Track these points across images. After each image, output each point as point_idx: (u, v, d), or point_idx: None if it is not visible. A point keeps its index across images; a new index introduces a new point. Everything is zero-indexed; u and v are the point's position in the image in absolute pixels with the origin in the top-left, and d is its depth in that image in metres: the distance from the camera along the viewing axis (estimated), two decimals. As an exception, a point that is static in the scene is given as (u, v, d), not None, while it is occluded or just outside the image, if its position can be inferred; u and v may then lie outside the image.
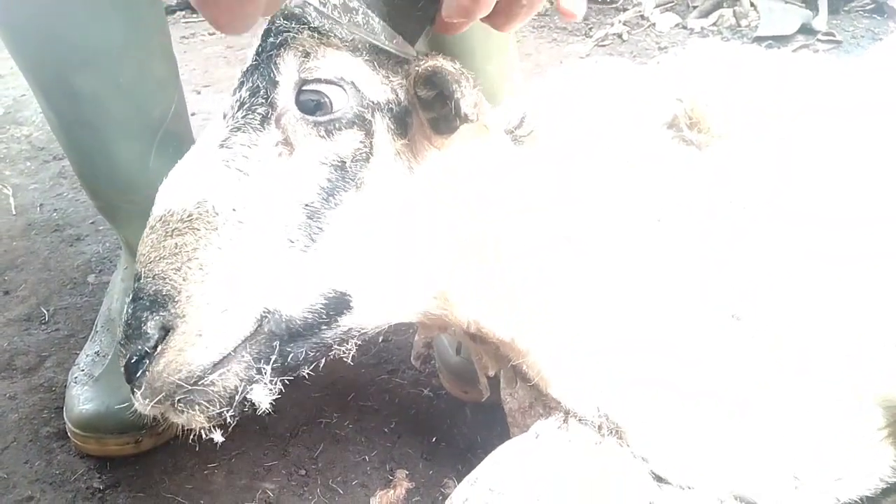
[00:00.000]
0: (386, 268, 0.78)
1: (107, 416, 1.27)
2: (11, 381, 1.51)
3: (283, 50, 0.74)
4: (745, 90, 1.28)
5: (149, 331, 0.68)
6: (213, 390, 0.69)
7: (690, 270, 0.96)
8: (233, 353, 0.69)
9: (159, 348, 0.68)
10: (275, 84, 0.74)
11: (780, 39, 3.01)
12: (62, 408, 1.40)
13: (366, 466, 1.25)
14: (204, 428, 0.71)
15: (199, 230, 0.70)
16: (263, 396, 0.71)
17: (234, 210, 0.71)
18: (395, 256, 0.78)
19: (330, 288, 0.74)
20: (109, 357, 1.34)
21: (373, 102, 0.76)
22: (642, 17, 3.63)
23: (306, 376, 0.76)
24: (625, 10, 3.81)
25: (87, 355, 1.39)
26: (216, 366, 0.69)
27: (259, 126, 0.73)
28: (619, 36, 3.45)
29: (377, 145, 0.76)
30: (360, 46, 0.75)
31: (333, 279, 0.75)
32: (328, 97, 0.74)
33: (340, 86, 0.74)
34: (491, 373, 1.04)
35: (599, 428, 0.96)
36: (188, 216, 0.71)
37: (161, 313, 0.68)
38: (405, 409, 1.35)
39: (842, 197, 0.99)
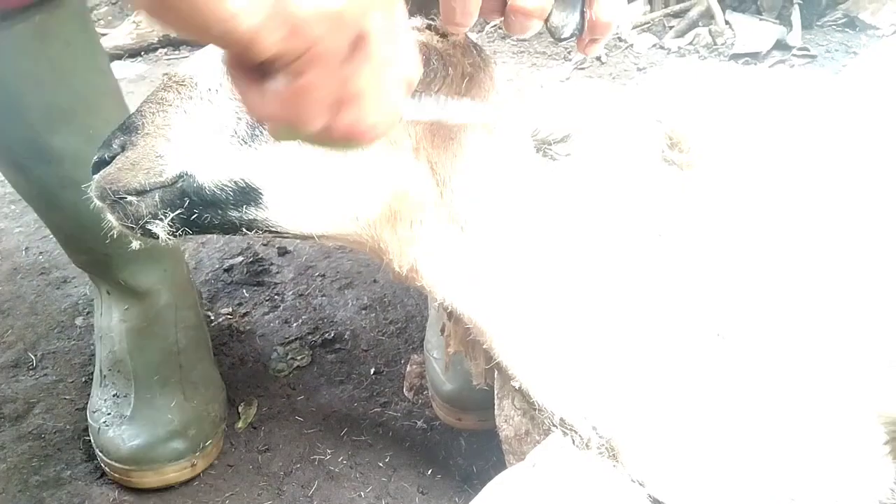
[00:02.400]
0: (307, 189, 0.89)
1: (160, 447, 1.29)
2: (0, 430, 1.49)
3: None
4: (724, 108, 1.30)
5: (113, 144, 0.88)
6: (128, 209, 0.86)
7: (679, 286, 0.96)
8: (149, 191, 0.86)
9: (114, 160, 0.87)
10: None
11: (756, 56, 3.05)
12: (52, 455, 1.39)
13: (361, 502, 1.24)
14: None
15: (179, 93, 0.88)
16: (161, 231, 0.87)
17: (208, 90, 0.88)
18: (321, 184, 0.89)
19: (243, 179, 0.87)
20: (133, 394, 1.34)
21: None
22: (620, 38, 3.67)
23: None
24: (602, 32, 3.86)
25: (103, 400, 1.37)
26: (137, 193, 0.87)
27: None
28: (598, 58, 3.49)
29: None
30: None
31: (251, 175, 0.87)
32: None
33: None
34: (450, 350, 1.07)
35: (589, 442, 0.96)
36: (180, 80, 0.89)
37: (126, 135, 0.88)
38: (399, 442, 1.34)
39: (829, 212, 1.00)
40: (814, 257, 0.95)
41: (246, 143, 0.87)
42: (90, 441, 1.37)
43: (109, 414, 1.34)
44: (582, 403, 0.96)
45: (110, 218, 0.89)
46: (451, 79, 0.87)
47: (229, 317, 1.68)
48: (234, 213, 0.89)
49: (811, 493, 0.91)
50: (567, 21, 0.81)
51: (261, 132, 0.87)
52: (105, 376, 1.40)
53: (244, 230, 0.92)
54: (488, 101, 0.93)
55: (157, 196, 0.87)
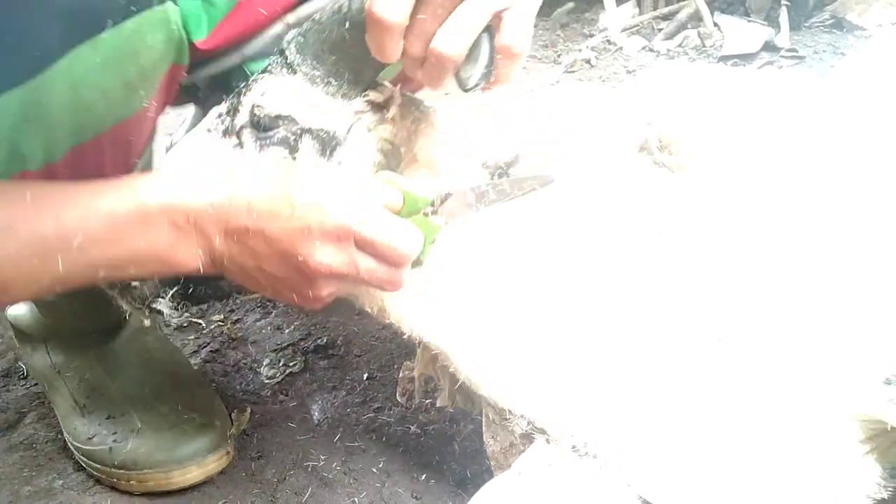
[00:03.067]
0: None
1: (196, 441, 1.29)
2: (-11, 441, 1.48)
3: (248, 86, 0.99)
4: (713, 109, 1.31)
5: None
6: (134, 292, 0.99)
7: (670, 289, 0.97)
8: None
9: None
10: (237, 110, 0.99)
11: (745, 57, 3.07)
12: (43, 465, 1.38)
13: (356, 509, 1.24)
14: None
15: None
16: (165, 308, 0.97)
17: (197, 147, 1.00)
18: None
19: None
20: (132, 409, 1.34)
21: (304, 128, 0.96)
22: (609, 41, 3.68)
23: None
24: (591, 35, 3.87)
25: (97, 425, 1.34)
26: None
27: (223, 135, 0.99)
28: (588, 61, 3.50)
29: (298, 161, 0.96)
30: (318, 80, 0.96)
31: None
32: (269, 122, 0.97)
33: (281, 118, 0.96)
34: (417, 373, 1.21)
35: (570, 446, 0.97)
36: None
37: None
38: (393, 447, 1.34)
39: (816, 214, 1.01)
40: (796, 260, 0.96)
41: None
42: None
43: (115, 433, 1.31)
44: (551, 408, 0.98)
45: (121, 303, 0.98)
46: (399, 126, 1.00)
47: (221, 324, 1.68)
48: (224, 283, 1.00)
49: (795, 492, 0.91)
50: (472, 73, 0.87)
51: None
52: (84, 405, 1.38)
53: (237, 295, 1.01)
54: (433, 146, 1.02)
55: (155, 278, 0.95)
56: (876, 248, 0.95)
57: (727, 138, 1.25)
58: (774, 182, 1.08)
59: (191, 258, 0.85)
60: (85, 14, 0.83)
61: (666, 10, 3.88)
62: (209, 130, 1.00)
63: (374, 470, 1.30)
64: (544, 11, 4.57)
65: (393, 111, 0.99)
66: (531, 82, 3.44)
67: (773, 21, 3.38)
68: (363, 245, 0.83)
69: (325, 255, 0.82)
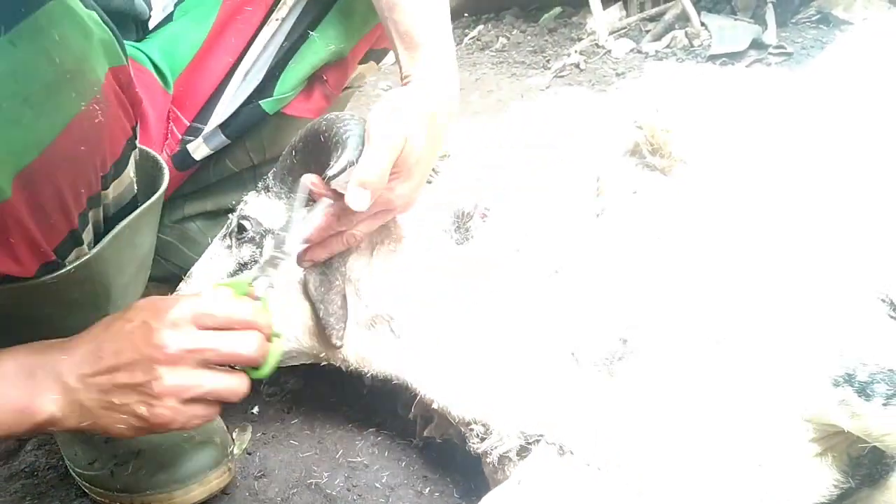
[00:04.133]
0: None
1: (197, 459, 1.28)
2: (-9, 471, 1.47)
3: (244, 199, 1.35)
4: (702, 110, 1.31)
5: None
6: None
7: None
8: None
9: None
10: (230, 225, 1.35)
11: (734, 56, 3.08)
12: (45, 493, 1.37)
13: (360, 524, 1.23)
14: None
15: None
16: None
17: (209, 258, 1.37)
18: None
19: None
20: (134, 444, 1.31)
21: (267, 229, 1.29)
22: (597, 45, 3.70)
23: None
24: (580, 39, 3.89)
25: (97, 451, 1.33)
26: None
27: (222, 239, 1.36)
28: (577, 65, 3.51)
29: (263, 254, 1.28)
30: (282, 195, 1.29)
31: None
32: (244, 226, 1.30)
33: (249, 221, 1.30)
34: None
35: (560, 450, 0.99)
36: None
37: None
38: (395, 461, 1.34)
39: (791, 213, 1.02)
40: (770, 260, 0.97)
41: None
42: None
43: (115, 457, 1.30)
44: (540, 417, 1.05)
45: None
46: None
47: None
48: None
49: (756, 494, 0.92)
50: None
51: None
52: (89, 440, 1.34)
53: None
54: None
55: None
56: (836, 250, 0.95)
57: (718, 138, 1.26)
58: (760, 183, 1.09)
59: (47, 404, 0.96)
60: None
61: (653, 11, 3.90)
62: (220, 237, 1.36)
63: (378, 485, 1.29)
64: (532, 17, 4.58)
65: None
66: (521, 88, 3.45)
67: (759, 19, 3.40)
68: (202, 318, 0.96)
69: (171, 339, 0.95)
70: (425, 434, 1.25)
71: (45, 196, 0.88)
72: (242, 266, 1.30)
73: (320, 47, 1.52)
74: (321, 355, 1.30)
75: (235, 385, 0.99)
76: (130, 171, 1.07)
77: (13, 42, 0.79)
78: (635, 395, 0.98)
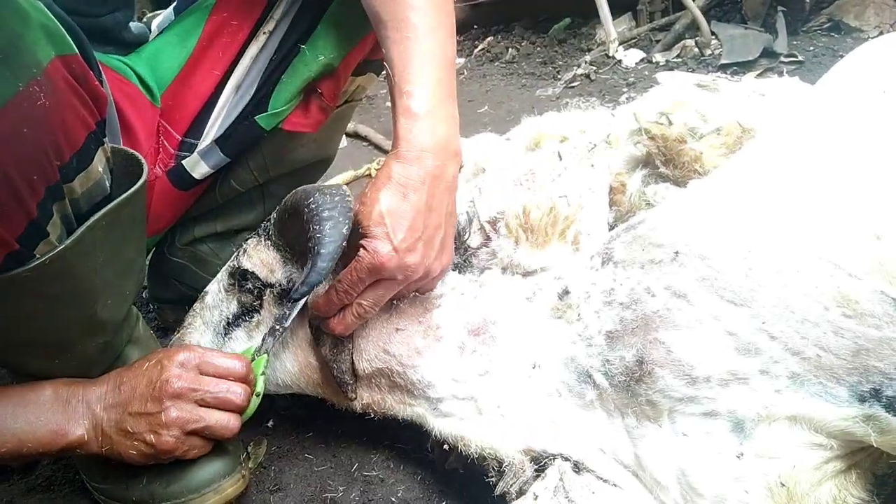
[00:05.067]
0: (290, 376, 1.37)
1: (211, 467, 1.27)
2: (8, 485, 1.48)
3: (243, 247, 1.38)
4: (715, 119, 1.30)
5: None
6: None
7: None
8: None
9: None
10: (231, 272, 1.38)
11: (744, 65, 3.07)
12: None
13: (376, 539, 1.23)
14: None
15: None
16: None
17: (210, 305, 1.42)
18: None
19: None
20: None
21: (265, 283, 1.32)
22: (607, 55, 3.70)
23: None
24: (589, 50, 3.89)
25: (111, 466, 1.31)
26: None
27: (221, 289, 1.40)
28: (587, 76, 3.52)
29: (264, 306, 1.33)
30: (280, 247, 1.31)
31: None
32: (245, 278, 1.33)
33: (249, 276, 1.33)
34: None
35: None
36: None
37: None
38: (411, 475, 1.33)
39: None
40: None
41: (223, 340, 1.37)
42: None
43: (129, 469, 1.28)
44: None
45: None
46: None
47: (234, 356, 1.67)
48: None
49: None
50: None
51: (228, 336, 1.37)
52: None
53: None
54: None
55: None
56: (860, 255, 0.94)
57: (731, 147, 1.25)
58: (777, 190, 1.07)
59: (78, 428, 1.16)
60: None
61: (663, 21, 3.90)
62: (220, 283, 1.41)
63: (394, 499, 1.28)
64: (542, 28, 4.59)
65: None
66: (532, 99, 3.45)
67: (770, 27, 3.39)
68: (205, 365, 1.21)
69: (177, 378, 1.18)
70: (446, 466, 1.25)
71: None
72: (239, 316, 1.35)
73: (311, 60, 1.52)
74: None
75: (229, 421, 1.20)
76: (99, 165, 1.07)
77: None
78: (651, 414, 0.97)
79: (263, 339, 1.26)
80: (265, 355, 1.24)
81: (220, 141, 1.57)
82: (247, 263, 1.34)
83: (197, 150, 1.57)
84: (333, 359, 1.22)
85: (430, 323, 1.21)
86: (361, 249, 1.11)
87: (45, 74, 0.91)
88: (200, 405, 1.19)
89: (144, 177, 1.15)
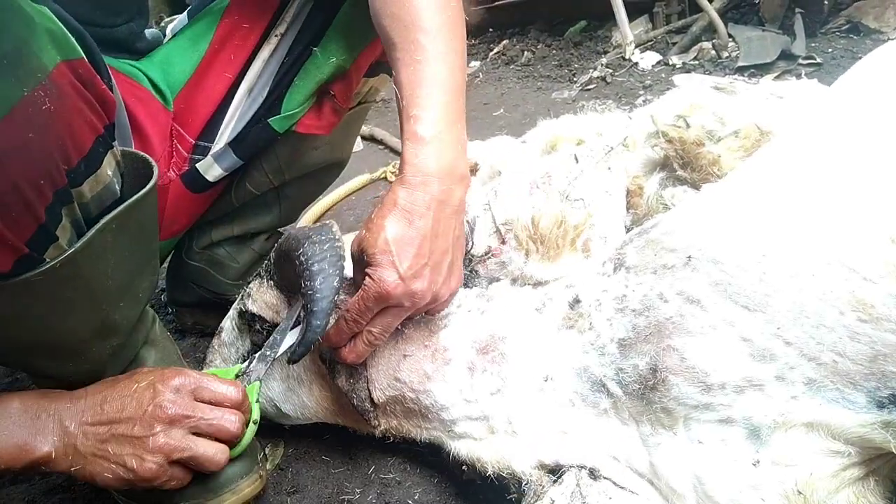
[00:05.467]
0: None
1: (229, 467, 1.27)
2: (30, 484, 1.50)
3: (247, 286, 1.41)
4: (732, 122, 1.29)
5: None
6: None
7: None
8: None
9: None
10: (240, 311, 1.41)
11: (762, 67, 3.06)
12: (82, 508, 1.39)
13: (393, 541, 1.23)
14: None
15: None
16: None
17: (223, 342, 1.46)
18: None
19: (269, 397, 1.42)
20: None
21: (273, 324, 1.33)
22: (623, 58, 3.69)
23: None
24: (606, 52, 3.88)
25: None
26: None
27: (234, 327, 1.44)
28: (603, 79, 3.51)
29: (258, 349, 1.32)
30: (282, 287, 1.34)
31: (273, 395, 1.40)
32: (253, 321, 1.36)
33: (256, 320, 1.36)
34: None
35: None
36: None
37: None
38: (428, 478, 1.34)
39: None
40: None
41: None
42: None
43: None
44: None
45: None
46: None
47: (251, 359, 1.68)
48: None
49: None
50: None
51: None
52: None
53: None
54: None
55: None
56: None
57: (750, 150, 1.24)
58: (796, 194, 1.07)
59: (45, 444, 1.08)
60: None
61: (679, 23, 3.89)
62: (232, 321, 1.43)
63: (410, 502, 1.29)
64: (557, 30, 4.59)
65: None
66: (547, 102, 3.45)
67: (787, 29, 3.37)
68: (200, 391, 1.17)
69: (172, 403, 1.13)
70: (464, 478, 1.26)
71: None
72: (254, 353, 1.34)
73: (323, 62, 1.53)
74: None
75: (216, 454, 1.16)
76: (108, 169, 1.08)
77: None
78: (666, 422, 0.97)
79: (250, 365, 1.26)
80: (257, 382, 1.25)
81: (233, 144, 1.58)
82: (252, 307, 1.35)
83: (210, 152, 1.59)
84: (351, 389, 1.23)
85: (436, 346, 1.20)
86: (367, 278, 1.10)
87: (51, 79, 0.92)
88: (193, 433, 1.14)
89: (154, 179, 1.15)
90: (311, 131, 1.65)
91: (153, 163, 1.17)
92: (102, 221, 1.07)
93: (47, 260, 1.01)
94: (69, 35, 0.96)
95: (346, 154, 1.91)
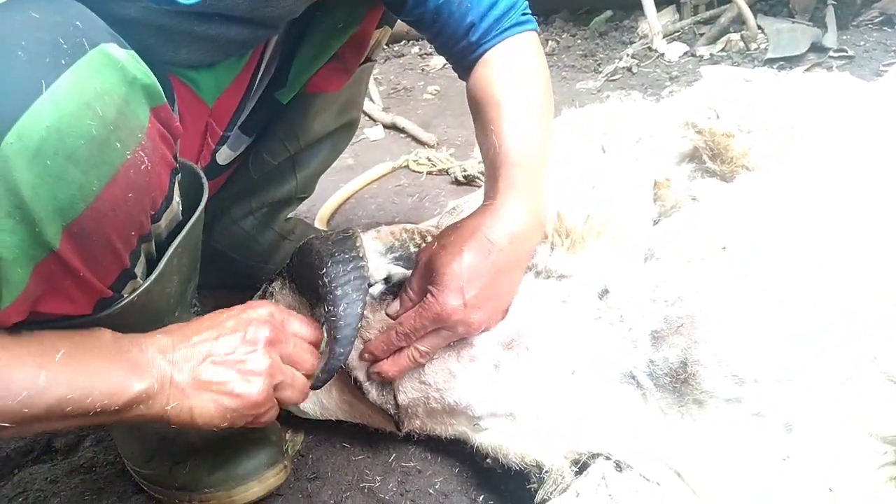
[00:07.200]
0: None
1: (256, 457, 1.30)
2: (52, 464, 1.51)
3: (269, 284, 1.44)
4: (762, 114, 1.27)
5: None
6: None
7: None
8: None
9: None
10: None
11: (792, 60, 3.00)
12: (103, 489, 1.40)
13: (413, 530, 1.23)
14: None
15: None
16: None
17: None
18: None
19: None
20: (189, 434, 1.31)
21: None
22: (650, 48, 3.64)
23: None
24: (631, 43, 3.84)
25: (153, 450, 1.33)
26: None
27: None
28: (629, 69, 3.47)
29: None
30: (304, 291, 1.34)
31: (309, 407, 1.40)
32: None
33: None
34: None
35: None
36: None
37: None
38: (449, 467, 1.33)
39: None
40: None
41: None
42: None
43: (173, 454, 1.31)
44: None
45: None
46: None
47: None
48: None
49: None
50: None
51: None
52: (140, 428, 1.33)
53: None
54: None
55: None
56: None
57: (780, 143, 1.22)
58: (830, 191, 1.05)
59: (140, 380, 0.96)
60: (20, 84, 0.75)
61: (707, 14, 3.83)
62: None
63: (431, 491, 1.28)
64: (582, 20, 4.55)
65: None
66: (572, 92, 3.41)
67: (818, 21, 3.31)
68: (288, 321, 1.13)
69: (271, 325, 1.08)
70: (484, 465, 1.26)
71: (95, 244, 0.88)
72: None
73: (329, 27, 1.51)
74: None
75: (302, 386, 1.13)
76: (176, 196, 1.06)
77: (55, 99, 0.77)
78: (697, 415, 0.96)
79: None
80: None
81: (241, 125, 1.58)
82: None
83: (227, 141, 1.58)
84: (383, 402, 1.24)
85: (461, 345, 1.19)
86: (430, 296, 1.10)
87: (147, 134, 0.90)
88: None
89: (206, 192, 1.14)
90: (322, 89, 1.66)
91: (200, 171, 1.16)
92: (171, 248, 1.06)
93: (124, 296, 0.99)
94: (156, 81, 0.92)
95: (357, 115, 1.90)
